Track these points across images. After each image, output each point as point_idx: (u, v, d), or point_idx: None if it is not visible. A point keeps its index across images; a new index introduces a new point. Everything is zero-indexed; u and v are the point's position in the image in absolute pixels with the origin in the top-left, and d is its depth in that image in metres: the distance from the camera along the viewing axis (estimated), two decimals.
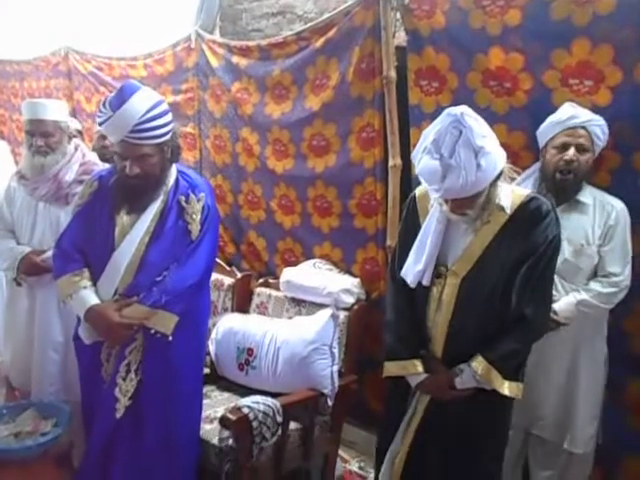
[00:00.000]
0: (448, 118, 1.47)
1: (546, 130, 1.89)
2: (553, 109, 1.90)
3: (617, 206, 1.86)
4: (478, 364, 1.55)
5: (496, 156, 1.50)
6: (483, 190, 1.51)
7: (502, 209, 1.55)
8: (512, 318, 1.56)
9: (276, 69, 2.65)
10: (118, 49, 3.49)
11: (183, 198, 1.86)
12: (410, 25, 2.20)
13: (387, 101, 2.28)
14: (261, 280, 2.75)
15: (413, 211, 1.72)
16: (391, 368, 1.69)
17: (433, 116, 2.21)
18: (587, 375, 1.90)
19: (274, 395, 2.10)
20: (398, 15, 2.25)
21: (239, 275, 2.77)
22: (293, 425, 2.13)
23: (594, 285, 1.84)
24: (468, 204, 1.53)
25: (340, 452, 2.49)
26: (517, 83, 2.01)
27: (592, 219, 1.86)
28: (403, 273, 1.66)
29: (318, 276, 2.50)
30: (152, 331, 1.76)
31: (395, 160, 2.31)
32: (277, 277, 2.71)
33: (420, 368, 1.63)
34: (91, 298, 1.80)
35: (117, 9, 3.67)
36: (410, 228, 1.71)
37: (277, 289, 2.63)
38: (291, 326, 2.34)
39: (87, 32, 3.83)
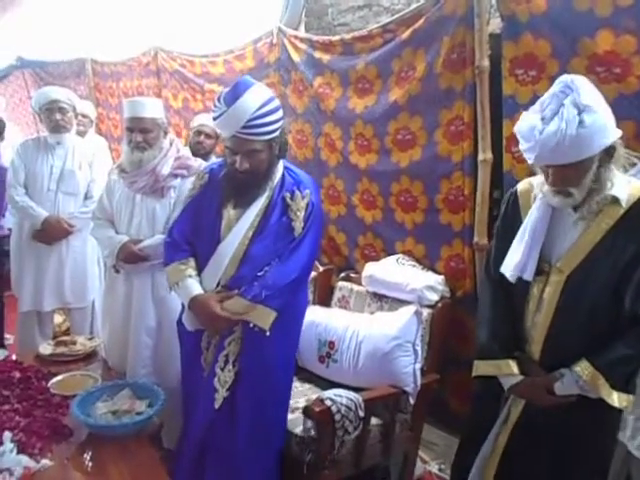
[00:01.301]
0: (559, 85, 1.43)
1: None
2: None
3: None
4: (583, 369, 1.45)
5: (605, 121, 1.39)
6: (587, 163, 1.39)
7: (617, 201, 1.43)
8: (624, 321, 1.44)
9: (360, 63, 2.63)
10: (205, 47, 3.61)
11: (288, 195, 1.87)
12: (506, 11, 2.10)
13: (479, 92, 2.20)
14: (343, 274, 2.75)
15: (514, 206, 1.63)
16: (483, 367, 1.61)
17: (528, 107, 2.11)
18: None
19: (354, 389, 2.09)
20: (493, 1, 2.17)
21: (321, 269, 2.78)
22: (374, 421, 2.11)
23: None
24: (571, 176, 1.41)
25: (420, 452, 2.45)
26: (629, 68, 1.87)
27: None
28: (502, 268, 1.57)
29: (401, 272, 2.46)
30: (251, 325, 1.80)
31: (485, 154, 2.22)
32: (357, 272, 2.71)
33: (515, 369, 1.55)
34: (195, 287, 1.86)
35: (206, 8, 3.80)
36: (510, 224, 1.62)
37: (359, 284, 2.62)
38: (373, 321, 2.32)
39: (177, 31, 4.00)
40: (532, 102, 2.08)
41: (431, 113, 2.41)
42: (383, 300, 2.50)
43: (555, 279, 1.50)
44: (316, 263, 2.85)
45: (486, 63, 2.17)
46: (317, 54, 2.82)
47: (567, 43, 1.98)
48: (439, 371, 2.33)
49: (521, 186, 1.65)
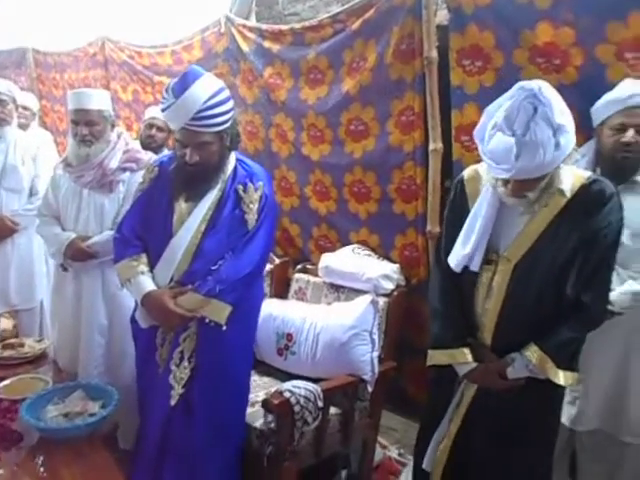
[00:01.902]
0: (522, 93, 1.39)
1: (602, 109, 1.80)
2: (607, 86, 1.82)
3: None
4: (532, 353, 1.50)
5: (573, 136, 1.42)
6: (551, 171, 1.43)
7: (561, 192, 1.48)
8: (568, 306, 1.50)
9: (311, 53, 2.62)
10: (154, 37, 3.51)
11: (241, 187, 1.85)
12: (453, 2, 2.13)
13: (428, 83, 2.23)
14: (299, 266, 2.75)
15: (461, 194, 1.66)
16: (438, 356, 1.64)
17: (476, 97, 2.18)
18: None
19: (313, 380, 2.10)
20: None
21: (277, 261, 2.77)
22: (333, 410, 2.13)
23: None
24: (531, 186, 1.45)
25: (379, 438, 2.48)
26: (567, 59, 1.93)
27: None
28: (450, 259, 1.61)
29: (357, 262, 2.47)
30: (206, 320, 1.77)
31: (436, 144, 2.26)
32: (313, 263, 2.71)
33: (469, 357, 1.59)
34: (148, 284, 1.82)
35: None
36: (458, 212, 1.65)
37: (315, 275, 2.62)
38: (330, 312, 2.33)
39: (125, 21, 3.87)
40: (479, 93, 2.17)
41: (383, 103, 2.43)
42: (340, 290, 2.51)
43: (503, 268, 1.54)
44: (272, 255, 2.84)
45: (434, 54, 2.20)
46: (267, 44, 2.79)
47: (510, 35, 2.03)
48: (396, 358, 2.36)
49: (467, 174, 1.67)
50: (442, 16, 2.27)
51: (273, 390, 2.02)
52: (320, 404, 1.98)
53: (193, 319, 1.79)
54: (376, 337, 2.20)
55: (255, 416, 2.04)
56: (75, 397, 1.86)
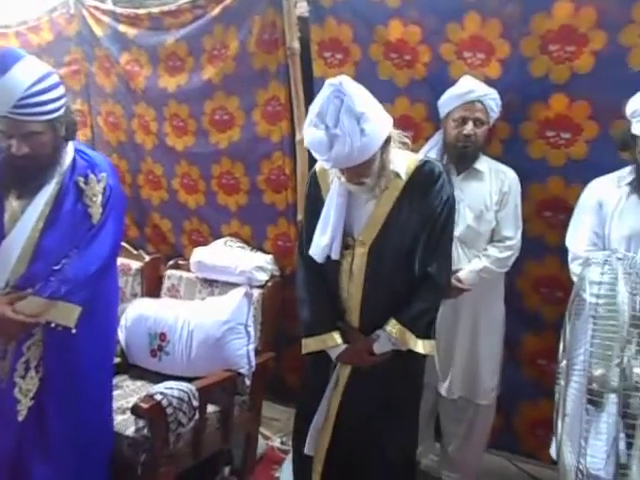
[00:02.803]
0: (329, 88, 1.46)
1: (446, 103, 1.96)
2: (451, 81, 1.97)
3: (509, 174, 1.98)
4: (392, 327, 1.59)
5: (380, 121, 1.51)
6: (374, 157, 1.52)
7: (398, 175, 1.59)
8: (418, 279, 1.61)
9: (169, 39, 2.51)
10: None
11: (82, 179, 1.70)
12: None
13: (292, 73, 2.24)
14: (171, 262, 2.64)
15: (315, 186, 1.72)
16: (310, 344, 1.69)
17: None
18: (487, 334, 2.04)
19: (191, 380, 2.04)
20: None
21: (147, 258, 2.65)
22: (211, 408, 2.08)
23: (492, 251, 1.96)
24: (362, 172, 1.53)
25: (262, 430, 2.49)
26: (416, 55, 2.05)
27: (489, 186, 1.97)
28: (310, 251, 1.65)
29: (230, 255, 2.44)
30: (52, 324, 1.62)
31: (302, 134, 2.27)
32: (186, 259, 2.62)
33: (339, 340, 1.65)
34: None
35: None
36: (313, 204, 1.71)
37: (188, 270, 2.54)
38: (204, 307, 2.28)
39: None
40: None
41: (247, 93, 2.40)
42: (214, 285, 2.46)
43: (360, 251, 1.62)
44: (142, 253, 2.71)
45: (296, 45, 2.22)
46: (122, 28, 2.62)
47: (366, 30, 2.11)
48: (274, 349, 2.38)
49: (319, 166, 1.72)
50: (303, 7, 2.29)
51: (144, 394, 1.92)
52: (195, 403, 1.92)
53: (37, 325, 1.63)
54: (251, 330, 2.19)
55: (126, 424, 1.93)
56: None
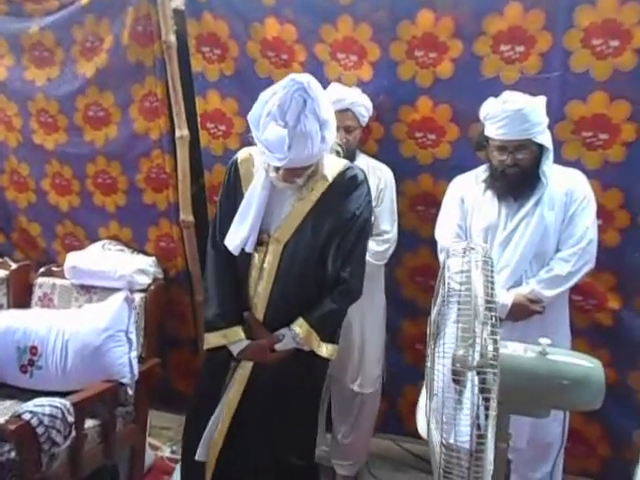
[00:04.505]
0: (293, 85, 1.42)
1: None
2: (326, 81, 2.01)
3: (385, 171, 2.07)
4: (299, 327, 1.58)
5: (334, 130, 1.52)
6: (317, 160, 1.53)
7: (325, 177, 1.59)
8: (329, 282, 1.60)
9: (33, 27, 2.33)
10: None
11: None
12: None
13: (169, 68, 2.17)
14: (42, 269, 2.43)
15: (235, 177, 1.66)
16: (212, 339, 1.63)
17: (218, 85, 2.20)
18: (371, 324, 2.11)
19: (68, 394, 1.90)
20: None
21: (14, 266, 2.41)
22: (91, 422, 1.95)
23: (371, 244, 2.02)
24: (300, 173, 1.53)
25: (150, 440, 2.39)
26: (293, 55, 2.08)
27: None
28: (226, 241, 1.60)
29: (108, 259, 2.31)
30: None
31: (182, 131, 2.22)
32: (60, 265, 2.44)
33: (242, 335, 1.61)
34: None
35: None
36: (232, 194, 1.65)
37: (62, 277, 2.36)
38: (80, 315, 2.13)
39: None
40: (221, 80, 2.20)
41: (123, 88, 2.29)
42: (92, 291, 2.31)
43: (274, 248, 1.59)
44: (7, 260, 2.48)
45: (173, 38, 2.15)
46: None
47: (242, 26, 2.10)
48: (160, 355, 2.28)
49: (241, 156, 1.68)
50: (179, 0, 2.22)
51: (11, 414, 1.75)
52: (71, 419, 1.79)
53: None
54: (133, 336, 2.08)
55: None
56: None
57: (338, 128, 1.91)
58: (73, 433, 1.82)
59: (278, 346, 1.61)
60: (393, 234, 2.05)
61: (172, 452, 2.47)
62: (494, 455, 1.05)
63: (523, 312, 1.74)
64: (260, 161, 1.59)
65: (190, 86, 2.22)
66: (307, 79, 1.43)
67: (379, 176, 2.04)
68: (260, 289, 1.61)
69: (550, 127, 1.76)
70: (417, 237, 2.15)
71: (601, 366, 1.16)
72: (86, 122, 2.37)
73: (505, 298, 1.75)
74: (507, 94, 1.75)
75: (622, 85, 1.82)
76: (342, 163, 1.65)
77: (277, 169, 1.52)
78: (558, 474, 1.87)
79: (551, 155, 1.75)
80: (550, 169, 1.76)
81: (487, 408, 1.04)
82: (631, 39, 1.78)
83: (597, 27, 1.81)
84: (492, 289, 1.10)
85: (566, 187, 1.78)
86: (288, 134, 1.41)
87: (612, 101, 1.84)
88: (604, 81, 1.84)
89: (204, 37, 2.14)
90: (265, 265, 1.60)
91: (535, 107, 1.71)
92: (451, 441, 1.09)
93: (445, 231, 1.89)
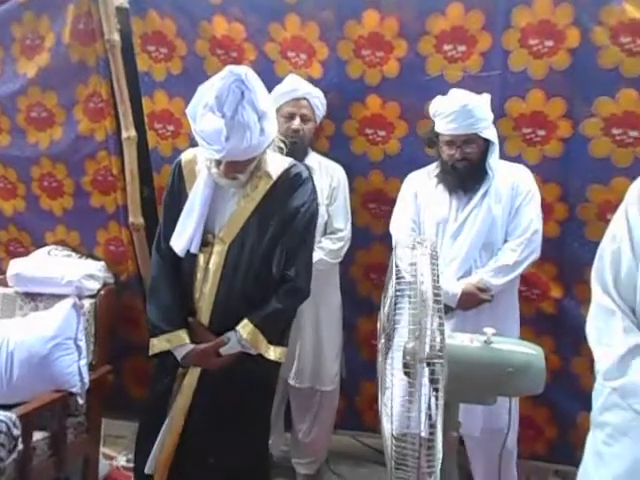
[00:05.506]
0: (231, 76, 1.41)
1: (274, 100, 1.98)
2: (277, 79, 2.01)
3: (337, 169, 2.08)
4: (244, 328, 1.54)
5: (274, 122, 1.51)
6: (258, 155, 1.50)
7: (269, 175, 1.57)
8: (275, 281, 1.57)
9: None
10: None
11: None
12: None
13: (113, 67, 2.12)
14: None
15: (179, 178, 1.62)
16: (158, 344, 1.58)
17: (165, 84, 2.16)
18: (328, 322, 2.12)
19: (14, 406, 1.82)
20: None
21: None
22: (39, 435, 1.88)
23: (326, 243, 2.03)
24: (241, 168, 1.50)
25: (105, 450, 2.33)
26: (242, 53, 2.07)
27: (319, 182, 2.03)
28: (172, 242, 1.56)
29: (54, 264, 2.23)
30: None
31: (129, 132, 2.17)
32: (3, 272, 2.34)
33: (186, 339, 1.56)
34: None
35: None
36: (176, 196, 1.61)
37: (5, 285, 2.27)
38: (26, 324, 2.04)
39: None
40: (168, 80, 2.16)
41: (67, 88, 2.22)
42: (37, 299, 2.22)
43: (218, 249, 1.56)
44: None
45: (116, 37, 2.10)
46: None
47: (190, 25, 2.07)
48: (112, 361, 2.22)
49: (185, 157, 1.65)
50: None
51: None
52: (16, 433, 1.71)
53: None
54: (82, 344, 2.02)
55: None
56: None
57: (293, 115, 1.93)
58: (19, 447, 1.74)
59: (223, 350, 1.56)
60: (347, 232, 2.06)
61: (127, 461, 2.40)
62: (443, 443, 1.07)
63: (472, 301, 1.78)
64: (202, 160, 1.56)
65: (136, 85, 2.17)
66: (245, 71, 1.43)
67: (332, 174, 2.05)
68: (205, 291, 1.57)
69: (493, 123, 1.81)
70: (370, 234, 2.17)
71: (542, 353, 1.20)
72: (29, 123, 2.29)
73: (455, 287, 1.78)
74: (453, 92, 1.82)
75: (557, 83, 1.89)
76: (286, 161, 1.64)
77: (218, 164, 1.50)
78: (509, 457, 1.89)
79: (497, 149, 1.81)
80: (496, 163, 1.82)
81: (437, 398, 1.06)
82: (565, 39, 1.86)
83: (533, 28, 1.87)
84: (437, 282, 1.11)
85: (512, 181, 1.84)
86: (225, 124, 1.40)
87: (549, 99, 1.91)
88: (541, 79, 1.90)
89: (149, 36, 2.10)
90: (210, 266, 1.57)
91: (479, 104, 1.77)
92: (405, 431, 1.10)
93: (400, 226, 1.92)
